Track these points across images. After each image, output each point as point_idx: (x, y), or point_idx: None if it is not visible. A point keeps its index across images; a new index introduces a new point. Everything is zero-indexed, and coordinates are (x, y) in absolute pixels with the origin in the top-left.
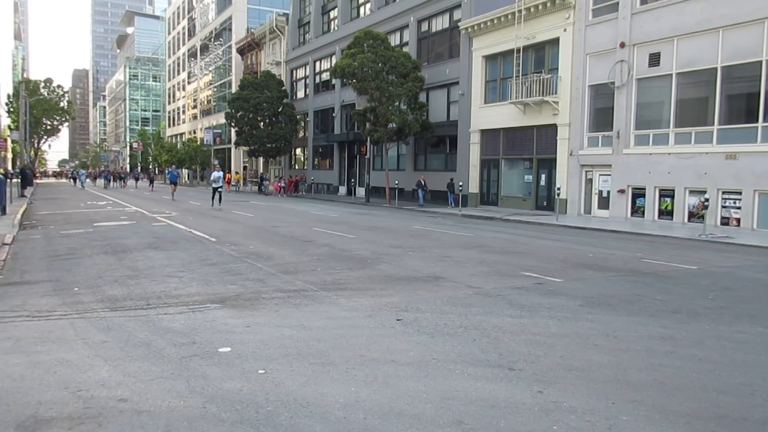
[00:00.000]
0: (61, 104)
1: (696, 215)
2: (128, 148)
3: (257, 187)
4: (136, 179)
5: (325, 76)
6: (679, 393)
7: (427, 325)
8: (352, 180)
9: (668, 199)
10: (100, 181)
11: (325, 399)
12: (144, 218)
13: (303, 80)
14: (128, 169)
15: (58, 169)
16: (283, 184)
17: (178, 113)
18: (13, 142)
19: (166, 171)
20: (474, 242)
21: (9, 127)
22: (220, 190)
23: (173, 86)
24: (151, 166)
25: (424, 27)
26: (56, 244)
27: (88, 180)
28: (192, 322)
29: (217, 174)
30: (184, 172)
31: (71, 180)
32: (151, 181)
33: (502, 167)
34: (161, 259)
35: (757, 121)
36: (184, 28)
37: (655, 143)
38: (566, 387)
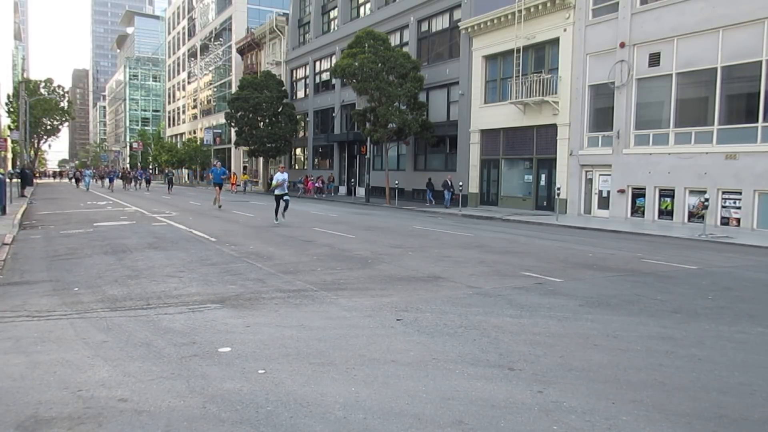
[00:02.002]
0: (61, 104)
1: (696, 215)
2: (128, 148)
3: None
4: (147, 181)
5: (325, 76)
6: (679, 393)
7: (427, 325)
8: (352, 180)
9: (668, 199)
10: (107, 182)
11: (325, 399)
12: (144, 218)
13: (303, 80)
14: (128, 169)
15: (59, 169)
16: (319, 185)
17: (178, 113)
18: (13, 142)
19: (210, 170)
20: (474, 242)
21: (9, 127)
22: (286, 198)
23: (173, 86)
24: (151, 166)
25: (424, 27)
26: (56, 244)
27: (92, 181)
28: (192, 322)
29: (281, 176)
30: (184, 172)
31: (73, 181)
32: (170, 183)
33: (502, 167)
34: (161, 259)
35: (757, 121)
36: (184, 28)
37: (655, 143)
38: (566, 387)
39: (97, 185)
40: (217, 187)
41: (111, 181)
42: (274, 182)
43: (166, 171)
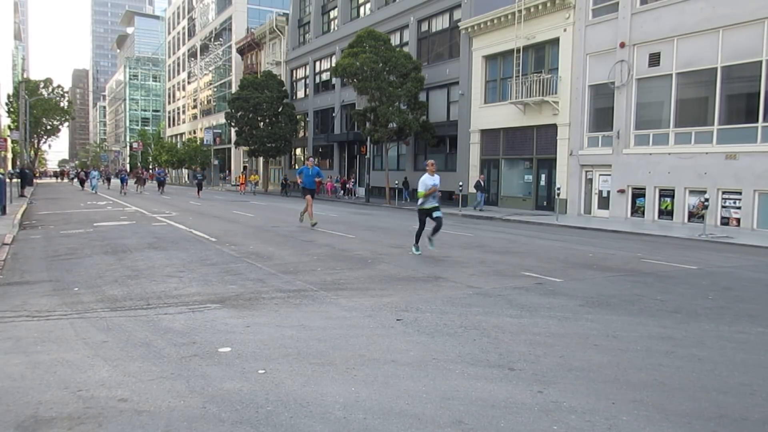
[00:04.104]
0: (61, 104)
1: (696, 215)
2: (128, 148)
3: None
4: (161, 182)
5: (325, 76)
6: (679, 393)
7: (427, 325)
8: (352, 180)
9: (668, 199)
10: (116, 182)
11: (325, 399)
12: (144, 218)
13: (303, 80)
14: (128, 169)
15: (60, 169)
16: (350, 185)
17: (178, 113)
18: (13, 142)
19: (298, 169)
20: (474, 242)
21: (9, 127)
22: (438, 214)
23: (173, 86)
24: (151, 166)
25: (424, 27)
26: (56, 244)
27: (100, 182)
28: (192, 322)
29: (432, 181)
30: (184, 172)
31: (76, 181)
32: (200, 186)
33: (502, 167)
34: (161, 259)
35: (757, 121)
36: (184, 28)
37: (655, 143)
38: (566, 387)
39: (103, 187)
40: (308, 196)
41: (123, 182)
42: (421, 189)
43: (196, 172)
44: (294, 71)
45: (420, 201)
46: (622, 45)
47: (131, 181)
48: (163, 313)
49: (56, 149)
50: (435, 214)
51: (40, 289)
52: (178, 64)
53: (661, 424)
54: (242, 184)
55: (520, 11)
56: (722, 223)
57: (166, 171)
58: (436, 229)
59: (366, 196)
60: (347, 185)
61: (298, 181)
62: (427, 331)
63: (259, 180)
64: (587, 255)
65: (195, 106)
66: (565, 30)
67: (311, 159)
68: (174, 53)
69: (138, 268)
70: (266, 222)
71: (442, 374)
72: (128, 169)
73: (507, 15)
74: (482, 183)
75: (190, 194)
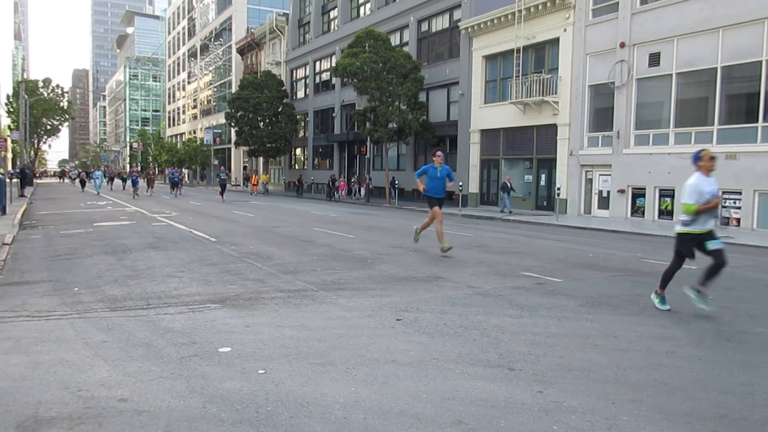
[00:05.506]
0: (61, 104)
1: None
2: (128, 148)
3: (326, 193)
4: (175, 184)
5: (325, 76)
6: (679, 393)
7: (427, 325)
8: (353, 180)
9: (668, 199)
10: (119, 183)
11: (325, 399)
12: (144, 218)
13: (303, 80)
14: (140, 169)
15: (59, 169)
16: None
17: (178, 113)
18: (13, 142)
19: (418, 171)
20: (474, 242)
21: (9, 127)
22: (715, 245)
23: (173, 86)
24: (151, 166)
25: (424, 27)
26: (56, 244)
27: (104, 183)
28: (192, 322)
29: (708, 185)
30: (184, 172)
31: (77, 182)
32: (224, 188)
33: (502, 167)
34: (161, 259)
35: (757, 121)
36: (184, 28)
37: (655, 143)
38: (566, 387)
39: (106, 188)
40: (436, 208)
41: (134, 184)
42: (690, 201)
43: (219, 172)
44: (294, 71)
45: (686, 220)
46: (622, 45)
47: (142, 182)
48: (163, 313)
49: (56, 149)
50: (711, 245)
51: (40, 289)
52: (178, 64)
53: (661, 424)
54: (254, 185)
55: (520, 11)
56: (722, 223)
57: (181, 171)
58: (713, 270)
59: (366, 196)
60: (361, 185)
61: (421, 187)
62: (427, 331)
63: (267, 180)
64: (587, 255)
65: (195, 106)
66: (565, 30)
67: (440, 155)
68: (174, 53)
69: (138, 268)
70: (266, 222)
71: (442, 374)
72: (140, 170)
73: (507, 15)
74: (509, 184)
75: (190, 194)
